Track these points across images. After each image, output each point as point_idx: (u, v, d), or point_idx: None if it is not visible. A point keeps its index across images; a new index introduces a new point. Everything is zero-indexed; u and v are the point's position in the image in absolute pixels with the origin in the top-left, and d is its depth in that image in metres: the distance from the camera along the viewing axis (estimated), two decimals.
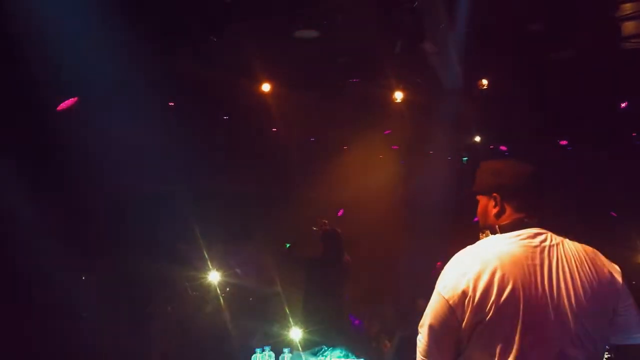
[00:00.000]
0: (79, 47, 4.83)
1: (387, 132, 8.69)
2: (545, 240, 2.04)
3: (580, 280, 1.96)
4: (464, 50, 5.80)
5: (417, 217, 8.45)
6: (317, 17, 5.14)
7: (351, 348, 4.60)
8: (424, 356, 2.03)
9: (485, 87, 6.81)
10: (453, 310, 1.94)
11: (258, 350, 3.60)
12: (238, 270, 6.89)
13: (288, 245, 6.78)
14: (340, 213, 8.89)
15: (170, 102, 7.01)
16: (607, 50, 5.79)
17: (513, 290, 1.90)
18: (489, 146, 9.05)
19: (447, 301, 1.95)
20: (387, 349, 5.86)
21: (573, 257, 2.01)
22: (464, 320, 1.93)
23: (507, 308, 1.89)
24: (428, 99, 7.21)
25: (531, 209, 2.11)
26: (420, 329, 2.05)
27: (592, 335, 1.92)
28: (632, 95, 6.89)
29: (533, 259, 1.98)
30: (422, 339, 2.04)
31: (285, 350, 3.81)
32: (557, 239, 2.06)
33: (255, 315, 6.56)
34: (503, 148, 9.09)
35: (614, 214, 7.52)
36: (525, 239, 2.03)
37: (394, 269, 8.99)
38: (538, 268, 1.96)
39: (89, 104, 5.59)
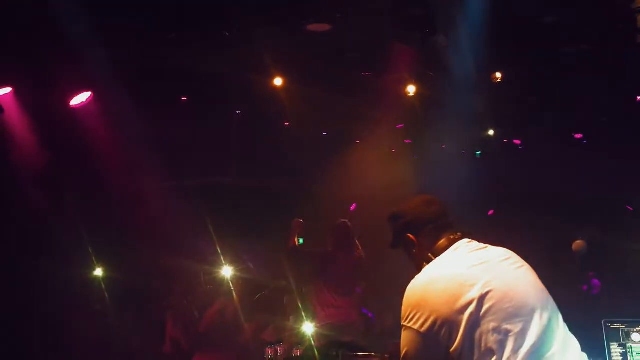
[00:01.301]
0: (92, 40, 4.86)
1: (399, 126, 8.66)
2: (479, 244, 2.13)
3: (521, 265, 2.07)
4: (477, 44, 5.75)
5: None
6: (329, 11, 5.12)
7: (364, 342, 4.61)
8: None
9: (499, 81, 6.76)
10: (434, 340, 1.89)
11: (271, 344, 3.61)
12: (250, 265, 6.92)
13: (302, 240, 6.78)
14: (353, 208, 8.88)
15: (183, 97, 7.04)
16: (622, 43, 5.72)
17: (482, 289, 1.90)
18: (502, 140, 9.00)
19: (423, 334, 1.91)
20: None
21: (503, 251, 2.11)
22: (447, 342, 1.88)
23: (483, 308, 1.88)
24: (441, 93, 7.17)
25: (448, 228, 2.17)
26: None
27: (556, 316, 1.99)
28: None
29: (482, 259, 2.02)
30: None
31: (298, 344, 3.82)
32: (483, 244, 2.14)
33: (268, 310, 6.59)
34: (517, 142, 9.04)
35: (630, 207, 7.46)
36: (463, 248, 2.09)
37: (406, 263, 8.97)
38: (491, 265, 2.00)
39: (103, 99, 5.63)
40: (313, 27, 5.47)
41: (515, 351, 1.83)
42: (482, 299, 1.88)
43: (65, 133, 5.75)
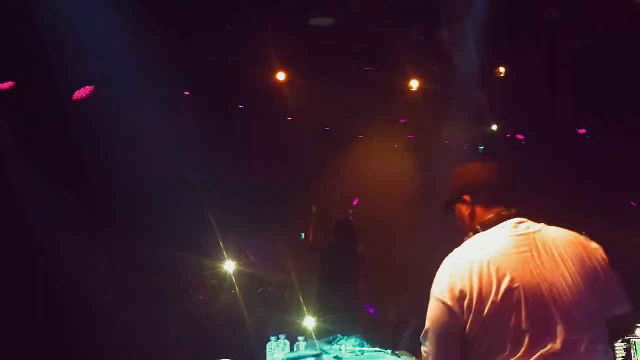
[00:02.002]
0: (94, 35, 4.85)
1: (402, 121, 8.65)
2: (528, 227, 2.03)
3: (572, 261, 1.95)
4: (481, 38, 5.73)
5: (433, 206, 8.42)
6: (332, 5, 5.11)
7: (366, 336, 4.60)
8: None
9: (502, 75, 6.74)
10: (454, 314, 1.90)
11: (273, 338, 3.60)
12: (253, 258, 6.93)
13: (303, 235, 6.79)
14: (355, 203, 8.88)
15: (186, 92, 7.03)
16: (625, 36, 5.69)
17: (511, 281, 1.87)
18: (506, 135, 8.98)
19: (446, 305, 1.92)
20: (402, 336, 5.87)
21: (559, 239, 2.00)
22: (467, 322, 1.89)
23: (509, 301, 1.86)
24: (444, 88, 7.15)
25: (505, 202, 2.10)
26: (422, 339, 2.01)
27: (592, 316, 1.89)
28: None
29: (522, 247, 1.96)
30: (427, 349, 2.00)
31: (300, 338, 3.81)
32: (538, 225, 2.05)
33: (270, 304, 6.60)
34: (520, 137, 9.01)
35: (633, 204, 7.44)
36: (509, 230, 2.02)
37: (409, 258, 8.98)
38: (529, 255, 1.94)
39: (105, 93, 5.62)
40: (316, 21, 5.46)
41: (527, 353, 1.82)
42: (508, 292, 1.86)
43: (66, 126, 5.75)
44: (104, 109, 5.55)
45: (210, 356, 3.46)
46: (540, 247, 1.97)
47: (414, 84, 7.12)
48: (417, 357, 3.50)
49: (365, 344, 3.72)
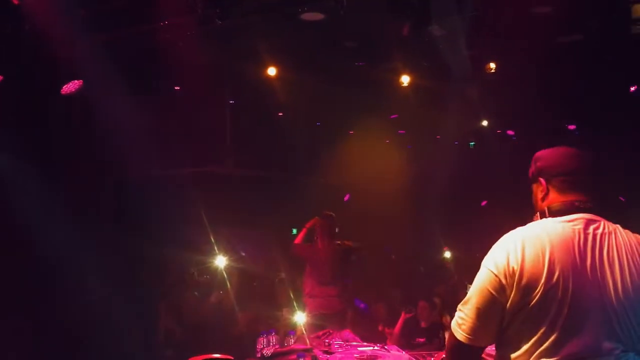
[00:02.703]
0: (82, 29, 4.82)
1: (393, 116, 8.66)
2: (598, 227, 1.97)
3: (629, 271, 1.91)
4: (471, 34, 5.74)
5: (423, 201, 8.45)
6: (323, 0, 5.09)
7: (356, 331, 4.62)
8: (467, 334, 1.96)
9: (492, 71, 6.75)
10: (501, 287, 1.90)
11: (263, 333, 3.61)
12: (243, 253, 6.93)
13: (294, 231, 6.79)
14: (346, 198, 8.89)
15: (176, 87, 7.00)
16: (616, 33, 5.71)
17: (562, 272, 1.86)
18: (496, 131, 9.01)
19: (496, 277, 1.91)
20: (394, 331, 5.89)
21: (624, 246, 1.95)
22: (509, 298, 1.89)
23: (555, 291, 1.85)
24: (435, 83, 7.16)
25: (582, 192, 2.04)
26: (462, 307, 1.99)
27: (634, 328, 1.87)
28: None
29: (584, 244, 1.93)
30: (464, 316, 1.97)
31: (290, 333, 3.82)
32: (611, 227, 2.00)
33: (261, 299, 6.61)
34: (510, 133, 9.05)
35: (622, 198, 7.48)
36: (576, 224, 1.97)
37: (400, 252, 9.01)
38: (589, 254, 1.91)
39: (94, 87, 5.58)
40: (307, 16, 5.44)
41: (552, 349, 1.83)
42: (555, 285, 1.85)
43: (55, 121, 5.72)
44: (90, 104, 5.52)
45: (200, 351, 3.45)
46: (604, 251, 1.94)
47: (405, 80, 7.12)
48: (405, 352, 3.51)
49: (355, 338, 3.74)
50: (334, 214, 6.04)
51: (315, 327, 5.23)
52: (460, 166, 8.32)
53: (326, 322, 5.58)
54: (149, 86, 6.03)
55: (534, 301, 1.86)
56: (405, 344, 5.45)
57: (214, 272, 6.78)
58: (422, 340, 5.71)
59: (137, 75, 5.52)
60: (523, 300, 1.87)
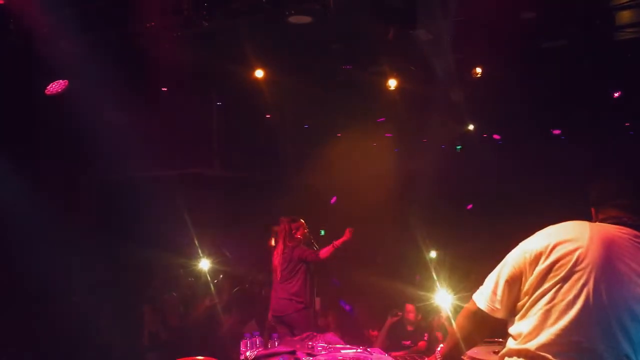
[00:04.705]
0: (67, 29, 4.80)
1: (380, 119, 8.69)
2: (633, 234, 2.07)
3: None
4: (457, 38, 5.77)
5: (410, 204, 8.47)
6: (310, 3, 5.09)
7: (340, 334, 4.63)
8: (488, 304, 2.14)
9: (479, 76, 6.79)
10: (529, 264, 2.05)
11: (247, 335, 3.61)
12: (228, 254, 6.90)
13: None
14: (333, 200, 8.90)
15: (163, 88, 6.97)
16: (600, 39, 5.77)
17: (589, 281, 1.95)
18: (482, 134, 9.06)
19: (526, 255, 2.07)
20: (379, 333, 5.90)
21: None
22: (532, 276, 2.03)
23: (571, 289, 1.96)
24: (421, 87, 7.19)
25: (628, 210, 2.14)
26: (488, 279, 2.17)
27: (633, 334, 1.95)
28: (625, 85, 6.88)
29: (625, 249, 2.01)
30: (490, 285, 2.16)
31: (274, 335, 3.83)
32: None
33: (245, 302, 6.59)
34: (496, 137, 9.11)
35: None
36: (625, 233, 2.07)
37: (386, 255, 9.02)
38: (626, 259, 1.99)
39: (79, 89, 5.55)
40: (294, 19, 5.44)
41: (554, 339, 1.95)
42: (577, 283, 1.96)
43: (42, 121, 5.68)
44: (76, 105, 5.48)
45: (185, 353, 3.45)
46: (616, 261, 2.00)
47: (392, 83, 7.14)
48: (389, 354, 3.52)
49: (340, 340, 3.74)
50: (291, 218, 6.02)
51: (270, 329, 5.34)
52: (447, 169, 8.36)
53: (277, 323, 5.61)
54: (135, 87, 6.00)
55: (551, 284, 1.99)
56: (391, 345, 5.47)
57: (198, 274, 6.76)
58: (407, 343, 5.73)
59: (123, 76, 5.48)
60: (538, 285, 2.02)
